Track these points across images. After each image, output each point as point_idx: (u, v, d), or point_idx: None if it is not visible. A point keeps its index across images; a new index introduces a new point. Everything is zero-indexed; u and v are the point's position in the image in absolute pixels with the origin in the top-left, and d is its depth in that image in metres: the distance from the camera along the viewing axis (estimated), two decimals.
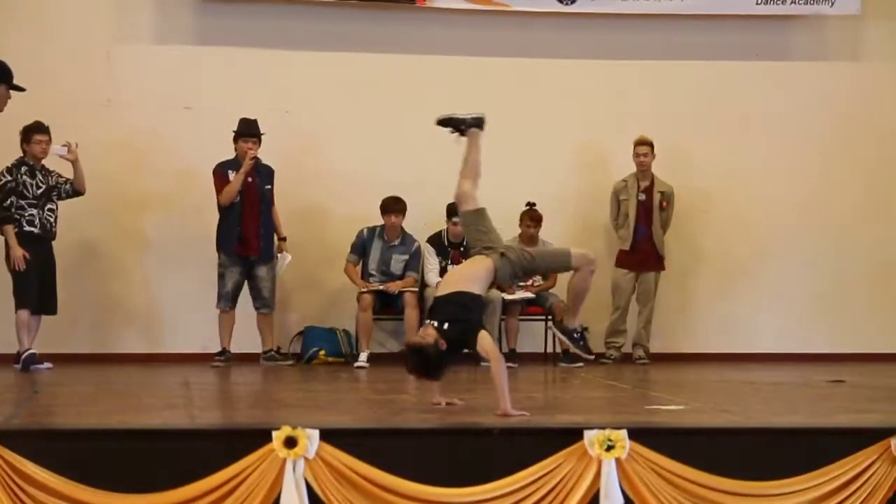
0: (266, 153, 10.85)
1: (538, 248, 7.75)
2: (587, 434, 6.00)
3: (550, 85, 11.83)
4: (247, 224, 10.67)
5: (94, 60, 11.31)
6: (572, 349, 7.53)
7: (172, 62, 11.40)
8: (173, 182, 11.38)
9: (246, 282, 10.79)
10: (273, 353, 10.83)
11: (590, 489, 5.96)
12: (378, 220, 11.12)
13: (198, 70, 11.42)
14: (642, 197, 11.43)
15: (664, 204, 11.48)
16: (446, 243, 11.29)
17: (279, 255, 10.90)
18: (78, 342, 11.07)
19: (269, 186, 10.86)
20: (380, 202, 11.05)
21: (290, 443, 5.77)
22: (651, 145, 11.37)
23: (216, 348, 10.66)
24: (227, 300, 10.69)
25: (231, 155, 10.75)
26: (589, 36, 11.88)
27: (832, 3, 11.87)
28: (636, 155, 11.39)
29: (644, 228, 11.42)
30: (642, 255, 11.45)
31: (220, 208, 10.70)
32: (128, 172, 11.31)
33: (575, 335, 7.35)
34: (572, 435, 6.03)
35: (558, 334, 7.38)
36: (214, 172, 10.70)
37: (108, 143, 11.09)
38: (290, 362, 10.88)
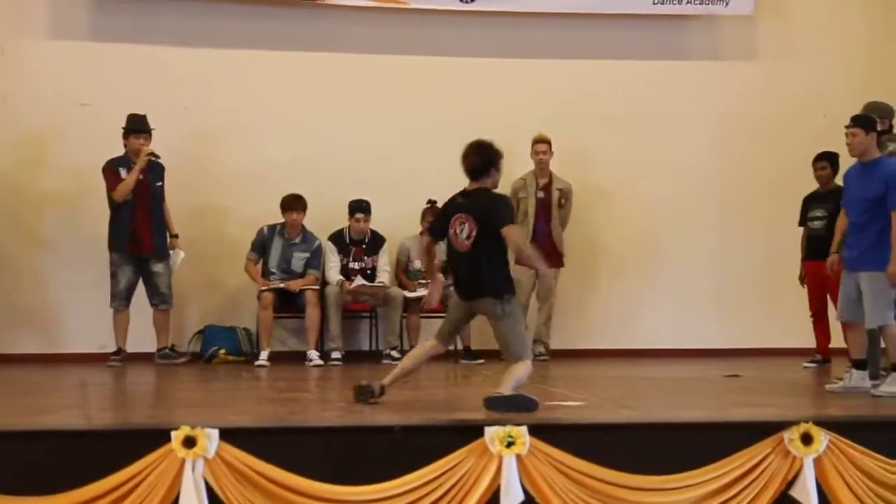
0: (165, 150, 10.73)
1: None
2: (487, 431, 6.04)
3: (448, 83, 11.85)
4: (139, 221, 10.55)
5: None
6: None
7: (68, 58, 11.23)
8: (70, 180, 11.20)
9: (141, 279, 10.66)
10: (167, 350, 10.72)
11: (490, 485, 6.00)
12: (279, 219, 11.08)
13: (94, 67, 11.26)
14: (541, 195, 11.49)
15: (563, 201, 11.56)
16: (348, 241, 11.27)
17: (172, 252, 10.78)
18: None
19: (160, 183, 10.72)
20: (280, 200, 11.01)
21: (189, 442, 5.73)
22: (549, 143, 11.44)
23: (113, 348, 10.53)
24: (122, 299, 10.55)
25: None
26: (487, 34, 11.92)
27: (727, 4, 12.06)
28: (535, 153, 11.45)
29: (543, 226, 11.48)
30: (542, 252, 11.44)
31: (113, 206, 10.56)
32: (23, 170, 11.13)
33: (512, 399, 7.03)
34: (473, 432, 6.07)
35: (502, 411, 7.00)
36: (105, 170, 10.55)
37: (2, 139, 10.91)
38: (184, 359, 10.77)
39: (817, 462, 6.28)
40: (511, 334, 7.29)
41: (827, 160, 10.48)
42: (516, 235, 7.46)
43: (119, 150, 10.62)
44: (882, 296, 8.09)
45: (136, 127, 10.58)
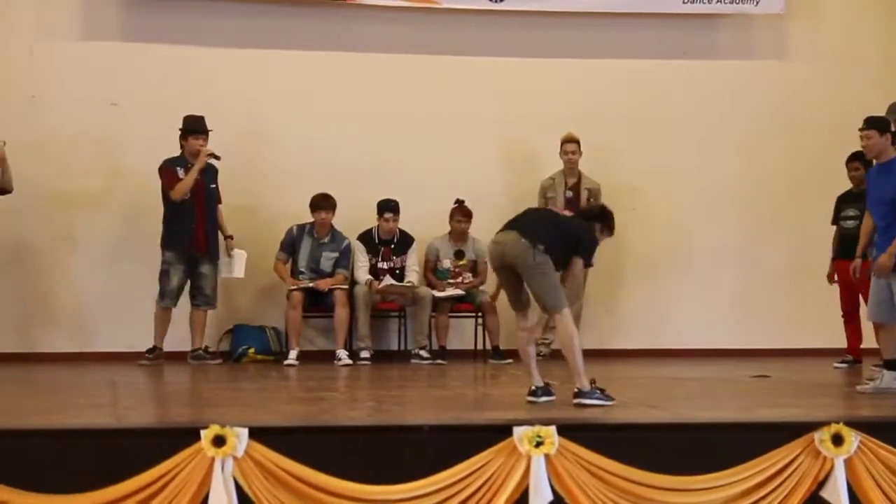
0: None
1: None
2: (516, 430, 6.03)
3: (477, 82, 11.84)
4: (196, 221, 10.59)
5: (16, 55, 11.17)
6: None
7: (98, 58, 11.26)
8: (100, 180, 11.25)
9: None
10: (201, 351, 10.74)
11: (519, 485, 5.99)
12: (308, 218, 11.09)
13: (124, 67, 11.29)
14: (569, 194, 11.46)
15: (591, 201, 11.52)
16: (377, 241, 11.28)
17: (234, 252, 10.83)
18: (2, 342, 10.92)
19: (214, 185, 10.78)
20: (309, 200, 11.02)
21: (219, 441, 5.75)
22: (578, 143, 11.42)
23: (142, 346, 10.55)
24: (172, 297, 10.57)
25: (160, 151, 10.64)
26: (516, 34, 11.90)
27: (757, 3, 11.99)
28: (564, 152, 11.43)
29: None
30: None
31: (169, 205, 10.59)
32: (54, 170, 11.16)
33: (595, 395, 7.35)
34: (502, 431, 6.06)
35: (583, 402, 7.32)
36: (163, 169, 10.59)
37: (32, 140, 10.93)
38: (217, 361, 10.79)
39: (848, 463, 6.25)
40: (544, 286, 7.40)
41: (860, 160, 10.41)
42: (580, 267, 7.65)
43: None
44: None
45: (195, 127, 10.63)
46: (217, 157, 10.64)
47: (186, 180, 10.51)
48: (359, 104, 11.66)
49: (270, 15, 11.54)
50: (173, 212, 10.61)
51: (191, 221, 10.60)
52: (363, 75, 11.66)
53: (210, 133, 10.66)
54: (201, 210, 10.64)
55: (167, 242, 10.62)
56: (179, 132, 10.66)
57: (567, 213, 8.05)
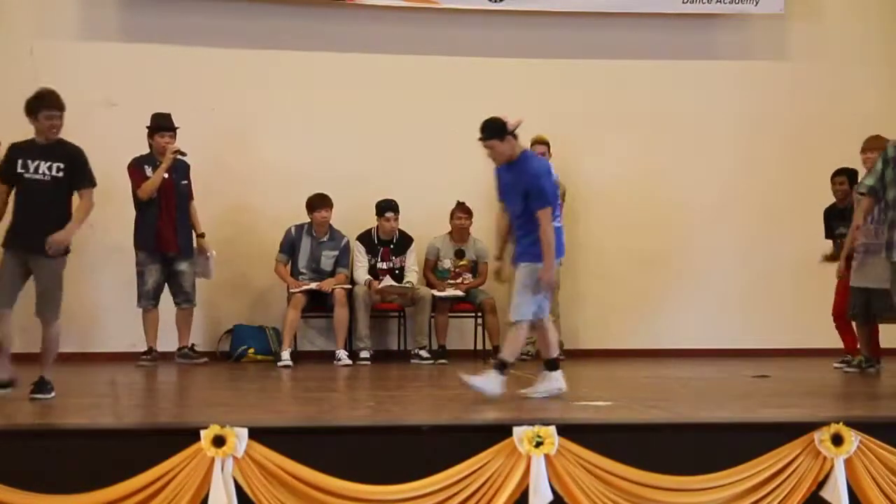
0: (193, 150, 10.75)
1: None
2: (516, 430, 6.04)
3: (476, 82, 11.83)
4: (165, 220, 10.54)
5: (16, 55, 11.16)
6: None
7: (97, 59, 11.26)
8: (99, 180, 11.17)
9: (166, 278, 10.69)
10: (187, 350, 10.71)
11: (519, 485, 5.99)
12: (307, 218, 11.08)
13: (123, 67, 11.29)
14: None
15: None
16: (376, 241, 11.28)
17: (209, 255, 10.76)
18: None
19: (186, 181, 10.73)
20: (306, 200, 11.02)
21: (219, 441, 5.75)
22: (548, 144, 11.41)
23: (144, 347, 10.56)
24: (149, 298, 10.56)
25: None
26: (515, 34, 11.91)
27: (756, 2, 12.00)
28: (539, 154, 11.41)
29: None
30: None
31: (138, 205, 10.57)
32: None
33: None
34: (501, 432, 6.06)
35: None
36: (130, 168, 10.57)
37: None
38: (203, 360, 10.76)
39: (848, 463, 6.26)
40: None
41: (846, 175, 10.42)
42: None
43: (147, 149, 10.65)
44: (526, 290, 7.82)
45: (162, 125, 10.60)
46: (183, 154, 10.57)
47: (153, 179, 10.47)
48: (358, 104, 11.66)
49: (270, 15, 11.54)
50: (141, 211, 10.57)
51: (156, 220, 10.54)
52: (363, 75, 11.66)
53: (177, 130, 10.62)
54: (169, 208, 10.57)
55: (138, 243, 10.58)
56: (147, 129, 10.65)
57: None
